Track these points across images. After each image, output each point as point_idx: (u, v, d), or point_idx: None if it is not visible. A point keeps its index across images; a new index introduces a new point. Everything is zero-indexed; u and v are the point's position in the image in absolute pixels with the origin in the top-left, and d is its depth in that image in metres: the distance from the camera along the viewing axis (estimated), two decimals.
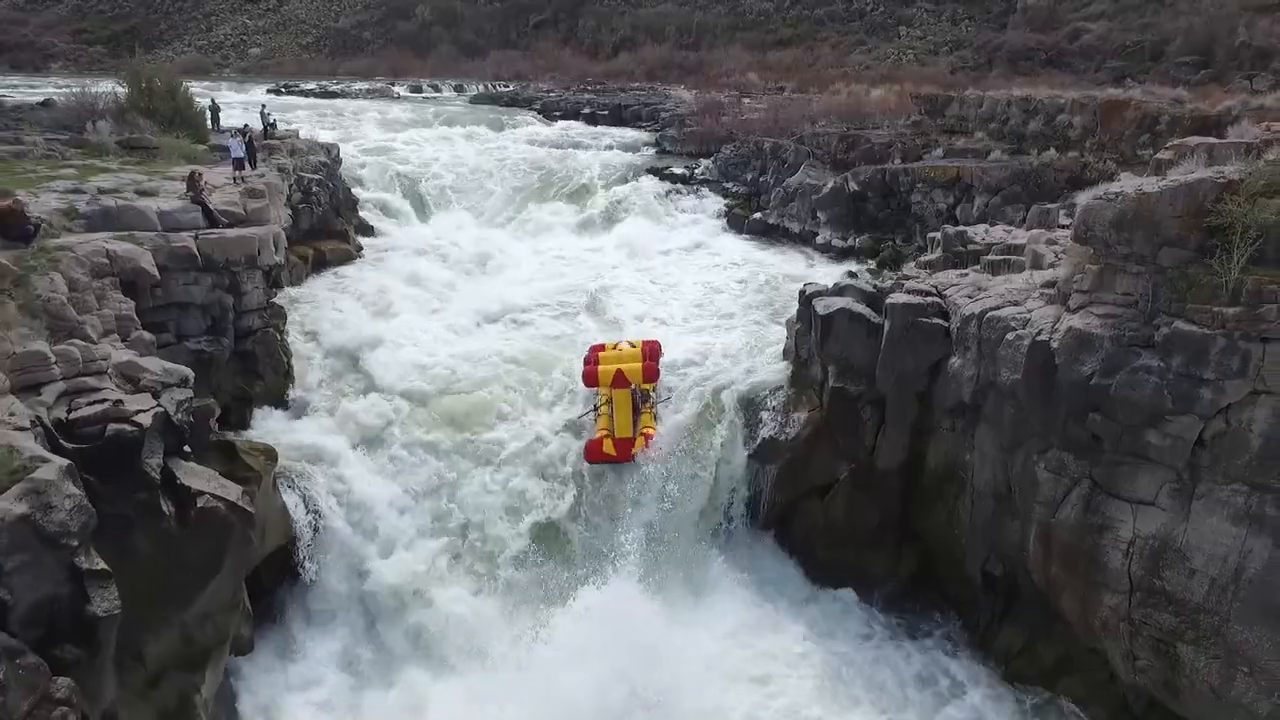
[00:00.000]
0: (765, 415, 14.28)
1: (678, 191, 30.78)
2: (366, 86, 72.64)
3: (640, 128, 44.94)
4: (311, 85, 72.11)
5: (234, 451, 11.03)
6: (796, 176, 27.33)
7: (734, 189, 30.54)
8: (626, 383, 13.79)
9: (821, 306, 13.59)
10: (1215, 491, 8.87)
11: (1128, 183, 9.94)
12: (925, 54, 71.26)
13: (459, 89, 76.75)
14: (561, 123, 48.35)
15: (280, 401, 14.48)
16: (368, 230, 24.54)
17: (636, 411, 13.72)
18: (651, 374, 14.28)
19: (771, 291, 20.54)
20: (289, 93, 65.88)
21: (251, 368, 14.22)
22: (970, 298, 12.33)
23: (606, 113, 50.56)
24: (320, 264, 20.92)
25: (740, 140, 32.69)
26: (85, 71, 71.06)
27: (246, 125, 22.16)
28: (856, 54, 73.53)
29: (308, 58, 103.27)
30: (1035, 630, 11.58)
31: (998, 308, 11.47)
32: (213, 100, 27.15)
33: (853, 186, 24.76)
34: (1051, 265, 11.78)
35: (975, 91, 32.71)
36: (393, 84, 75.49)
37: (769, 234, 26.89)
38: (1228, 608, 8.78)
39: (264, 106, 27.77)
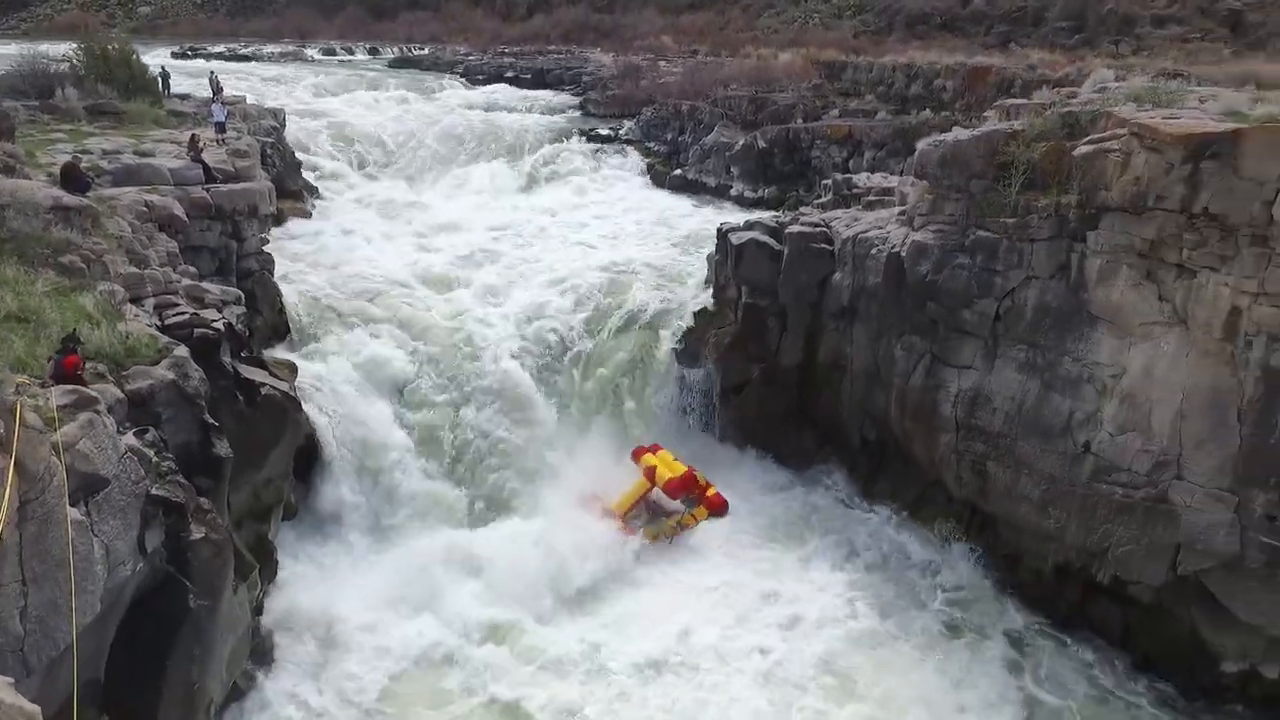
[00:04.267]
0: (692, 332, 17.56)
1: (604, 151, 33.52)
2: (278, 50, 71.40)
3: (563, 91, 46.97)
4: (219, 48, 70.19)
5: (264, 364, 13.52)
6: (712, 136, 30.53)
7: (656, 148, 33.47)
8: (652, 480, 14.74)
9: (735, 239, 16.86)
10: (1007, 351, 12.62)
11: (951, 133, 13.48)
12: (830, 18, 75.03)
13: (373, 52, 76.22)
14: (486, 87, 49.84)
15: (277, 334, 16.83)
16: (312, 192, 26.46)
17: (638, 504, 14.91)
18: (674, 490, 14.83)
19: (693, 235, 23.75)
20: (195, 56, 64.03)
21: (251, 305, 16.51)
22: (848, 226, 15.83)
23: (529, 77, 52.23)
24: (279, 222, 22.98)
25: (659, 103, 35.53)
26: None
27: (221, 90, 23.69)
28: (765, 18, 76.66)
29: (204, 17, 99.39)
30: (898, 476, 15.35)
31: (866, 231, 15.03)
32: (163, 68, 28.20)
33: (761, 144, 28.14)
34: None
35: (867, 58, 36.51)
36: (304, 47, 74.34)
37: (689, 188, 30.10)
38: (1015, 431, 12.58)
39: (212, 73, 28.96)
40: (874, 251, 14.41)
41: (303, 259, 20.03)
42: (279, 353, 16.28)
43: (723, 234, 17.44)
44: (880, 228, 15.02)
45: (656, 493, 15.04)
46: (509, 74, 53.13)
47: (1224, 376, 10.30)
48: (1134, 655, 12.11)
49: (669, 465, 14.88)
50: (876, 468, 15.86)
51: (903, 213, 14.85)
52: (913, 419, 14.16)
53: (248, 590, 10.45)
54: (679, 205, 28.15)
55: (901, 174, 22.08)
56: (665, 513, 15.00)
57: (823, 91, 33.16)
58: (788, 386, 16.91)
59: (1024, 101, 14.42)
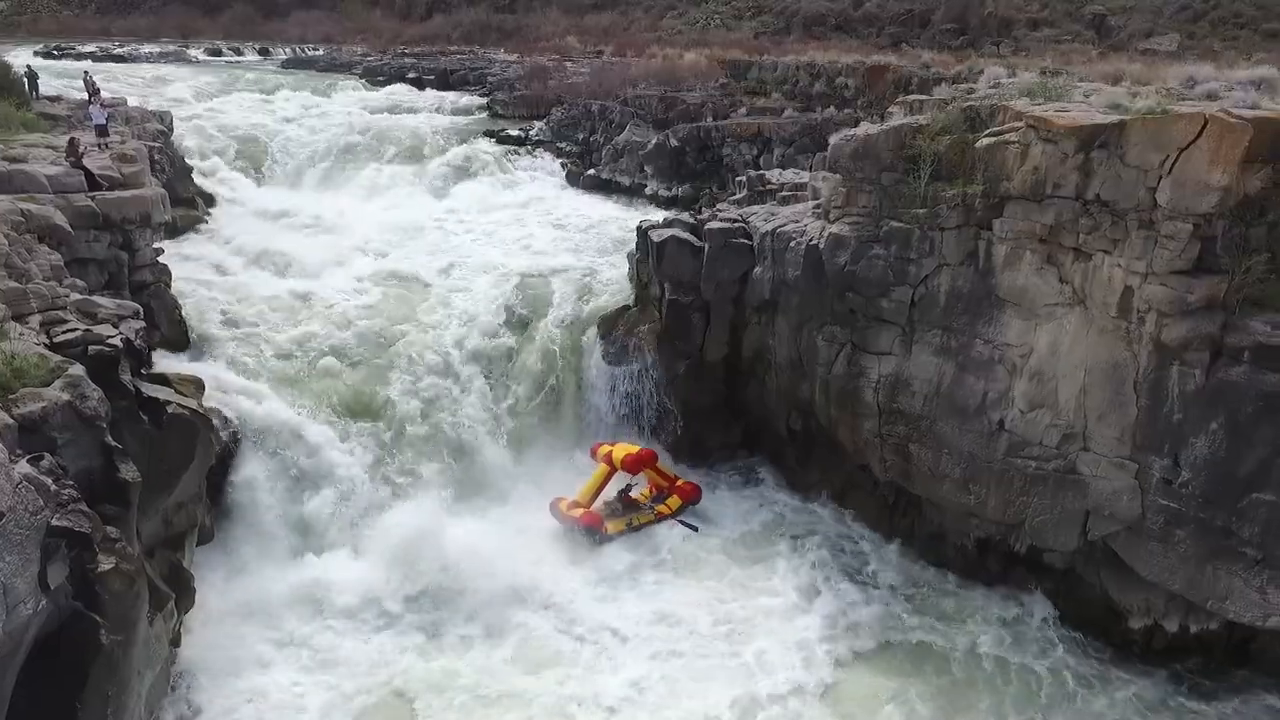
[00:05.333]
0: (616, 330, 17.53)
1: (515, 152, 33.05)
2: (157, 50, 67.28)
3: (469, 92, 46.01)
4: (90, 48, 65.48)
5: (168, 381, 12.66)
6: (623, 135, 30.57)
7: (567, 148, 33.22)
8: (611, 463, 14.91)
9: (655, 236, 16.92)
10: (924, 336, 13.15)
11: (860, 128, 13.93)
12: (731, 19, 76.58)
13: (264, 53, 72.81)
14: (387, 88, 48.37)
15: (179, 348, 15.84)
16: (206, 198, 25.07)
17: (600, 489, 14.94)
18: (633, 465, 15.01)
19: (611, 234, 23.73)
20: (64, 55, 59.54)
21: (149, 319, 15.44)
22: (766, 221, 16.14)
23: (433, 77, 50.95)
24: (172, 231, 21.67)
25: (569, 103, 35.32)
26: None
27: (99, 91, 22.12)
28: (668, 19, 77.53)
29: (70, 14, 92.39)
30: (826, 463, 15.76)
31: (784, 226, 15.36)
32: (29, 67, 26.07)
33: (673, 143, 28.38)
34: None
35: (771, 58, 37.37)
36: (186, 47, 70.35)
37: (603, 188, 30.02)
38: (934, 413, 13.12)
39: (86, 73, 26.96)
40: (792, 245, 14.74)
41: (201, 268, 18.96)
42: (182, 369, 15.36)
43: (643, 232, 17.48)
44: (797, 222, 15.38)
45: (631, 489, 15.21)
46: (411, 75, 51.71)
47: (1120, 352, 11.03)
48: (1052, 618, 12.81)
49: (625, 448, 15.09)
50: (804, 456, 16.22)
51: (818, 206, 15.26)
52: (837, 406, 14.57)
53: (164, 621, 9.79)
54: (595, 205, 28.06)
55: (811, 169, 22.70)
56: (637, 506, 15.09)
57: (730, 90, 33.74)
58: (714, 380, 17.11)
59: (926, 97, 15.01)
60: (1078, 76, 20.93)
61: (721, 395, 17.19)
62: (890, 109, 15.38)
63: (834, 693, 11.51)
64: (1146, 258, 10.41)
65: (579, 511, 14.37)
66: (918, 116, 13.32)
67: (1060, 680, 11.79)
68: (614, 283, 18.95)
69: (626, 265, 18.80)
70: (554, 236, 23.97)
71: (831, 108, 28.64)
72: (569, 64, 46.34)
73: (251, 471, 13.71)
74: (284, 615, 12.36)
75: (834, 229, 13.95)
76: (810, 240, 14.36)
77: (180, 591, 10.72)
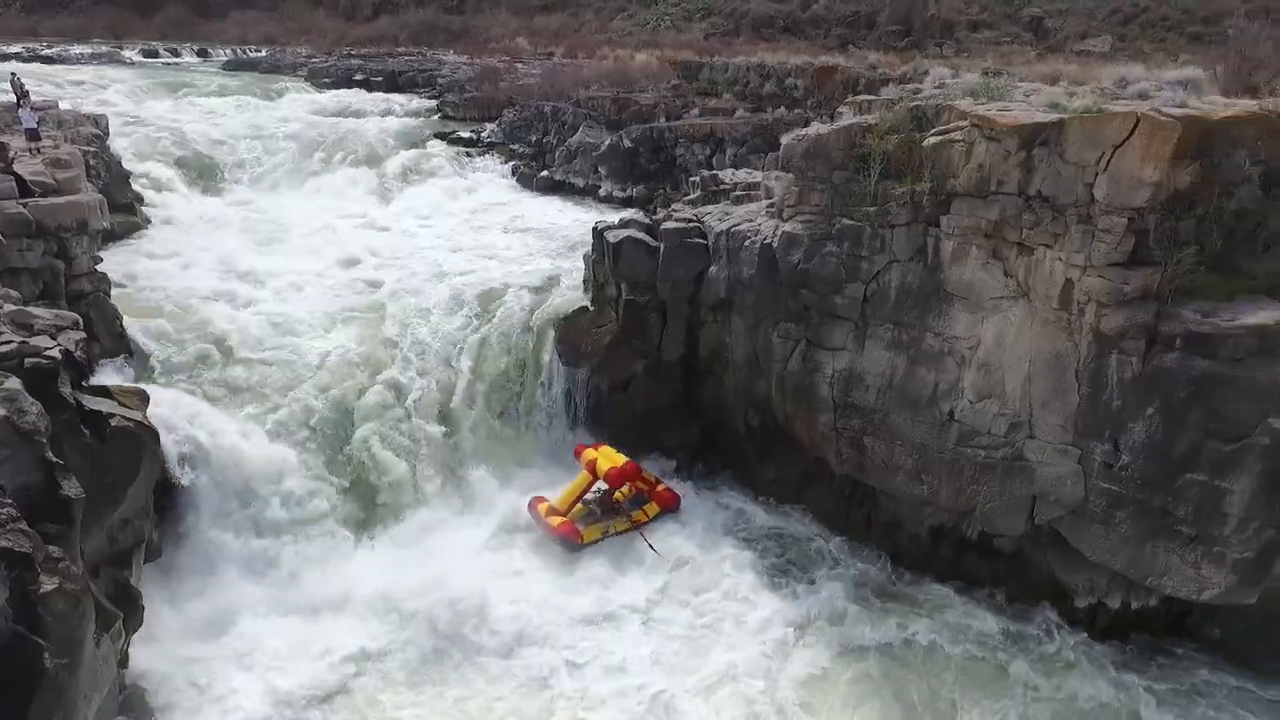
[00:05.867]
0: (574, 332, 17.51)
1: (468, 154, 32.79)
2: (89, 50, 64.95)
3: (418, 94, 45.48)
4: (15, 48, 62.82)
5: (109, 393, 12.24)
6: (577, 136, 30.54)
7: (520, 150, 33.07)
8: (594, 473, 14.75)
9: (612, 237, 16.95)
10: (876, 331, 13.44)
11: (811, 128, 14.17)
12: (681, 20, 77.08)
13: (203, 54, 70.87)
14: (335, 91, 47.52)
15: (119, 361, 15.31)
16: (146, 204, 24.33)
17: (581, 496, 14.83)
18: (615, 479, 14.76)
19: (567, 235, 23.69)
20: None
21: (88, 330, 14.90)
22: (720, 220, 16.29)
23: (381, 79, 50.18)
24: (110, 237, 20.97)
25: (521, 105, 35.16)
26: None
27: (28, 94, 21.24)
28: (619, 20, 77.70)
29: None
30: (783, 458, 15.97)
31: (738, 225, 15.53)
32: None
33: (626, 143, 28.44)
34: None
35: (722, 59, 37.73)
36: (120, 48, 68.05)
37: (557, 189, 29.94)
38: (887, 406, 13.42)
39: (14, 75, 25.82)
40: (747, 244, 14.91)
41: (141, 277, 18.40)
42: (124, 380, 14.87)
43: (599, 233, 17.49)
44: (751, 221, 15.56)
45: (607, 491, 15.05)
46: (358, 77, 50.86)
47: (1062, 342, 11.43)
48: (1004, 601, 13.22)
49: (610, 457, 14.87)
50: (763, 452, 16.41)
51: (771, 205, 15.47)
52: (793, 402, 14.78)
53: (111, 642, 9.44)
54: (549, 206, 27.98)
55: (764, 169, 22.99)
56: (616, 511, 14.95)
57: (682, 91, 33.96)
58: (672, 380, 17.20)
59: (874, 97, 15.33)
60: (1018, 77, 21.56)
61: (679, 394, 17.28)
62: (840, 109, 15.66)
63: (794, 689, 11.66)
64: (1085, 251, 10.80)
65: (557, 520, 14.30)
66: (866, 116, 13.60)
67: (1010, 663, 12.16)
68: (571, 284, 18.92)
69: (583, 267, 18.80)
70: (509, 239, 23.81)
71: (782, 108, 29.03)
72: (520, 65, 46.10)
73: (199, 486, 13.34)
74: (237, 634, 12.06)
75: (787, 227, 14.16)
76: (764, 239, 14.55)
77: (128, 610, 10.37)
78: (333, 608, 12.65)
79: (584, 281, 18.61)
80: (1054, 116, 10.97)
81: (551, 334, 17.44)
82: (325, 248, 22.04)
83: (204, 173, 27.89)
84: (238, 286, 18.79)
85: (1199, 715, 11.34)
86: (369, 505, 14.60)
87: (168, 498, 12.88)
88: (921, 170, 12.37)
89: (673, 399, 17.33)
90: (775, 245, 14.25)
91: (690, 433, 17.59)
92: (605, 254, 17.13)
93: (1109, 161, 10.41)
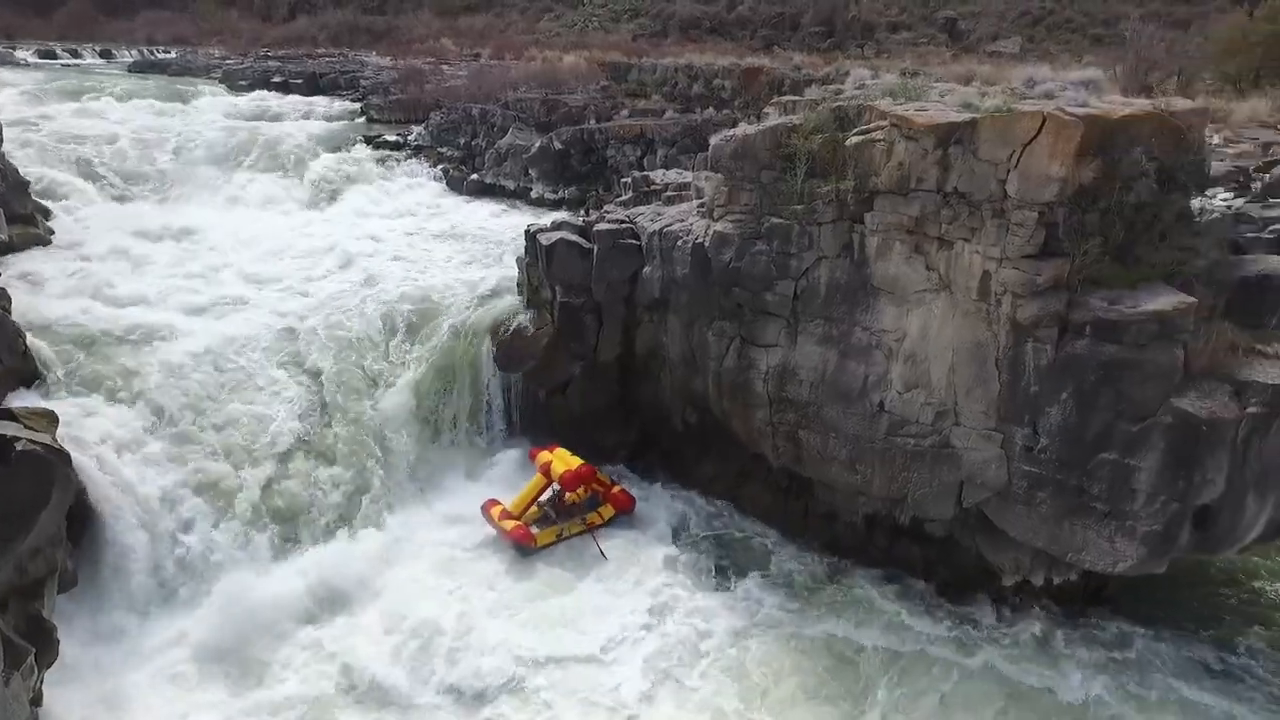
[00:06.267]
0: (510, 336, 17.36)
1: (394, 159, 32.12)
2: None
3: (340, 97, 44.28)
4: None
5: (13, 416, 11.57)
6: (506, 139, 30.26)
7: (449, 153, 32.54)
8: (548, 475, 14.72)
9: (544, 240, 16.86)
10: (807, 327, 13.75)
11: (739, 128, 14.41)
12: (608, 21, 77.19)
13: (107, 55, 67.51)
14: (251, 93, 45.92)
15: (23, 381, 14.47)
16: (47, 215, 23.06)
17: (535, 499, 14.80)
18: (570, 483, 14.71)
19: (499, 239, 23.45)
20: None
21: None
22: (653, 221, 16.41)
23: (300, 82, 48.64)
24: (8, 249, 19.85)
25: (448, 107, 34.62)
26: None
27: None
28: (545, 20, 77.31)
29: None
30: (722, 455, 16.19)
31: (670, 225, 15.67)
32: None
33: (557, 145, 28.33)
34: None
35: (650, 60, 37.96)
36: (13, 48, 64.24)
37: (488, 192, 29.58)
38: (820, 399, 13.74)
39: None
40: (679, 244, 15.06)
41: (45, 291, 17.43)
42: (30, 401, 14.05)
43: (531, 235, 17.38)
44: (683, 221, 15.73)
45: (560, 493, 14.98)
46: (276, 79, 49.21)
47: (982, 332, 11.91)
48: (935, 584, 13.71)
49: (564, 460, 14.82)
50: (701, 449, 16.60)
51: (701, 205, 15.65)
52: (729, 399, 15.00)
53: (23, 680, 8.94)
54: (480, 209, 27.64)
55: (694, 169, 23.25)
56: (570, 514, 14.89)
57: (611, 92, 34.03)
58: (609, 380, 17.25)
59: (798, 98, 15.67)
60: (934, 77, 22.36)
61: (617, 395, 17.35)
62: (766, 109, 15.94)
63: (733, 685, 11.84)
64: (1000, 244, 11.28)
65: (510, 524, 14.23)
66: (791, 117, 13.89)
67: (939, 645, 12.66)
68: (505, 288, 18.74)
69: (516, 270, 18.65)
70: (439, 243, 23.42)
71: (711, 109, 29.40)
72: (445, 67, 45.41)
73: (115, 510, 12.71)
74: (160, 667, 11.56)
75: (718, 227, 14.36)
76: (696, 239, 14.73)
77: (41, 645, 9.80)
78: (258, 636, 12.20)
79: (518, 285, 18.47)
80: (967, 116, 11.42)
81: (486, 340, 17.27)
82: (237, 257, 21.32)
83: (111, 180, 26.60)
84: (141, 302, 17.99)
85: (1124, 676, 12.09)
86: (294, 529, 14.11)
87: (84, 523, 12.27)
88: (845, 169, 12.71)
89: (610, 400, 17.39)
90: (707, 245, 14.43)
91: (629, 432, 17.68)
92: (538, 257, 17.05)
93: (1019, 159, 10.90)
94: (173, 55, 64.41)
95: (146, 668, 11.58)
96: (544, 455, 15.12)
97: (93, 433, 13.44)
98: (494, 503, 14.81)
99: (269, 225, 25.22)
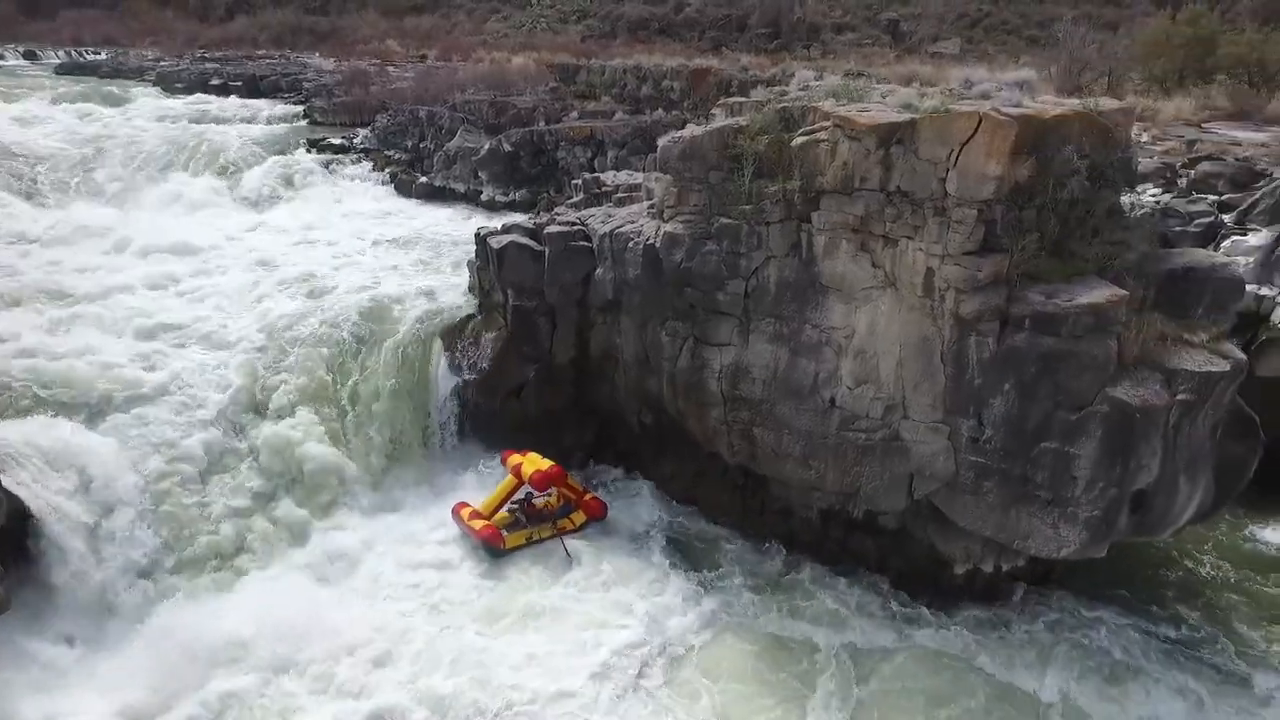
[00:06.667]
0: (462, 341, 17.19)
1: (339, 162, 31.55)
2: None
3: (283, 99, 43.42)
4: None
5: None
6: (455, 141, 29.95)
7: (396, 156, 32.11)
8: (519, 477, 14.64)
9: (495, 243, 16.73)
10: (758, 325, 13.90)
11: (687, 129, 14.50)
12: (556, 22, 76.90)
13: (30, 56, 65.18)
14: (189, 96, 44.76)
15: None
16: None
17: (505, 500, 14.77)
18: (541, 483, 14.60)
19: (450, 242, 23.22)
20: None
21: None
22: (604, 223, 16.40)
23: (240, 84, 47.55)
24: None
25: (394, 109, 34.16)
26: None
27: None
28: (493, 21, 76.70)
29: None
30: (678, 455, 16.26)
31: (621, 226, 15.69)
32: None
33: (506, 147, 28.15)
34: None
35: (599, 61, 37.98)
36: None
37: (437, 196, 29.26)
38: (773, 397, 13.91)
39: None
40: (630, 245, 15.09)
41: None
42: None
43: (482, 239, 17.24)
44: (634, 222, 15.76)
45: (533, 497, 14.96)
46: (214, 82, 47.99)
47: (928, 327, 12.19)
48: (889, 576, 13.99)
49: (535, 462, 14.77)
50: (657, 449, 16.65)
51: (652, 206, 15.71)
52: (684, 398, 15.08)
53: None
54: (430, 213, 27.37)
55: (644, 170, 23.32)
56: (542, 518, 14.84)
57: (560, 94, 33.97)
58: (564, 383, 17.18)
59: (745, 99, 15.82)
60: (877, 78, 22.81)
61: (572, 397, 17.29)
62: (713, 111, 16.06)
63: (689, 684, 11.94)
64: (942, 241, 11.56)
65: (480, 524, 14.21)
66: (738, 118, 14.02)
67: (898, 639, 12.93)
68: (457, 292, 18.55)
69: (468, 274, 18.47)
70: (389, 249, 23.12)
71: (660, 110, 29.56)
72: (391, 68, 44.84)
73: (49, 531, 12.21)
74: (101, 690, 11.09)
75: (668, 228, 14.43)
76: (647, 240, 14.77)
77: None
78: (203, 661, 11.73)
79: (469, 289, 18.30)
80: (907, 116, 11.67)
81: (439, 345, 17.06)
82: (175, 264, 20.78)
83: (40, 187, 25.60)
84: (71, 308, 17.48)
85: (1076, 654, 12.54)
86: (243, 544, 13.79)
87: (18, 543, 11.78)
88: (791, 169, 12.88)
89: (566, 402, 17.32)
90: (658, 245, 14.49)
91: (585, 434, 17.64)
92: (490, 260, 16.91)
93: (957, 158, 11.18)
94: (103, 57, 62.31)
95: (86, 686, 11.12)
96: (515, 458, 15.06)
97: (26, 447, 12.91)
98: (463, 504, 14.76)
99: (211, 229, 24.57)
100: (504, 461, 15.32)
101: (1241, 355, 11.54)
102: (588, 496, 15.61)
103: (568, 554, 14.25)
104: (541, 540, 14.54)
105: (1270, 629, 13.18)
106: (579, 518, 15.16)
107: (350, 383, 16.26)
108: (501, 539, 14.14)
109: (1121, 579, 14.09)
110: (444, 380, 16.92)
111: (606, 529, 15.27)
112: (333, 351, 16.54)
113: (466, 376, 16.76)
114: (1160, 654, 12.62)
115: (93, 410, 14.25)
